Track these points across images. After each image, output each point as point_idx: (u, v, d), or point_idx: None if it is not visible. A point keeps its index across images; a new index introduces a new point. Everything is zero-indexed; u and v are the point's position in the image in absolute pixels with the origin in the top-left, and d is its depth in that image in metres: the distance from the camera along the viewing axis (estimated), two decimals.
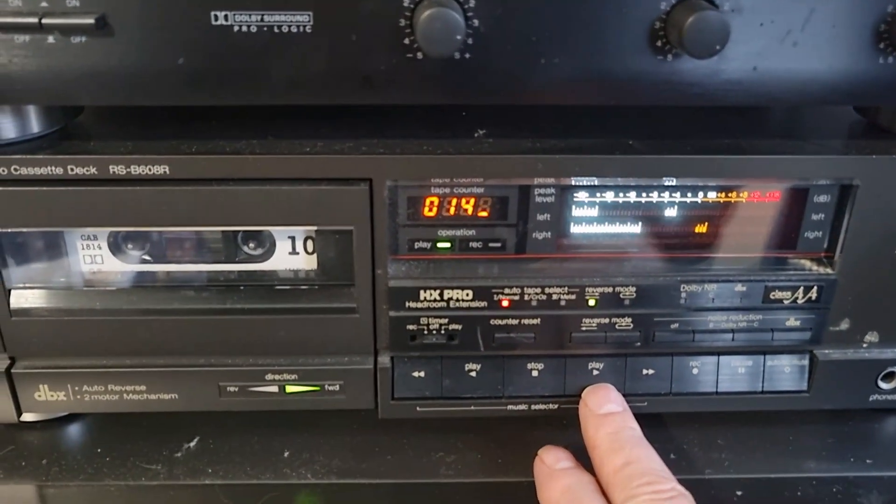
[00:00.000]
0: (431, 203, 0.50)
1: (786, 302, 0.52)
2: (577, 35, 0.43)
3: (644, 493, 0.43)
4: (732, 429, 0.57)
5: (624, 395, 0.54)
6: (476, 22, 0.42)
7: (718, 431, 0.57)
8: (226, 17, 0.41)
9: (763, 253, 0.53)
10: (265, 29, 0.41)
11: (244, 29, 0.41)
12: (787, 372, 0.55)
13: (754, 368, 0.55)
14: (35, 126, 0.48)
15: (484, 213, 0.50)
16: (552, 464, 0.49)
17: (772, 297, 0.52)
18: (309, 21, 0.41)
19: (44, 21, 0.40)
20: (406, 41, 0.42)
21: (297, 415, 0.56)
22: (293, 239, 0.52)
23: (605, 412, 0.51)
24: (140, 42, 0.42)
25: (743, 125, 0.53)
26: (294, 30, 0.42)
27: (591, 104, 0.45)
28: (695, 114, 0.55)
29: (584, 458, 0.50)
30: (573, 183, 0.50)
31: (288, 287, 0.52)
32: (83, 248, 0.51)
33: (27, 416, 0.55)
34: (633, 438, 0.49)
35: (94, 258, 0.52)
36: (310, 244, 0.52)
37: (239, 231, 0.51)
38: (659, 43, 0.43)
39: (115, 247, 0.51)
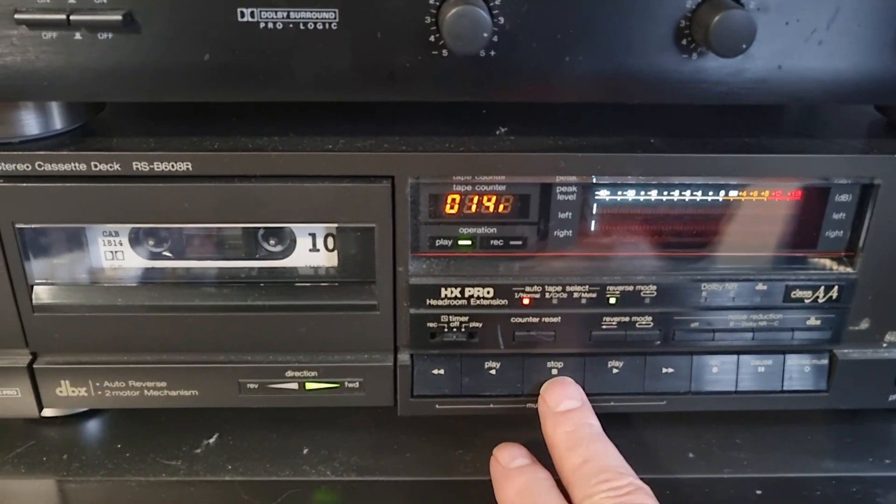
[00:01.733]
0: (453, 200, 0.50)
1: (806, 301, 0.52)
2: (602, 33, 0.43)
3: (601, 490, 0.43)
4: (751, 428, 0.57)
5: (643, 394, 0.54)
6: (501, 19, 0.42)
7: (737, 430, 0.57)
8: (252, 14, 0.41)
9: (784, 252, 0.52)
10: (291, 25, 0.42)
11: (270, 25, 0.42)
12: (806, 371, 0.55)
13: (774, 368, 0.54)
14: (58, 122, 0.49)
15: (505, 211, 0.50)
16: (507, 462, 0.49)
17: (792, 296, 0.52)
18: (335, 18, 0.41)
19: (72, 18, 0.40)
20: (431, 38, 0.42)
21: (315, 412, 0.56)
22: (313, 236, 0.52)
23: (563, 409, 0.50)
24: (166, 38, 0.42)
25: (764, 124, 0.53)
26: (320, 26, 0.42)
27: (615, 102, 0.44)
28: (716, 112, 0.54)
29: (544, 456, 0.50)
30: (594, 181, 0.50)
31: (308, 284, 0.52)
32: (104, 244, 0.52)
33: (48, 412, 0.55)
34: (591, 435, 0.48)
35: (116, 254, 0.52)
36: (330, 241, 0.52)
37: (260, 228, 0.51)
38: (684, 41, 0.43)
39: (136, 243, 0.52)
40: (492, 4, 0.41)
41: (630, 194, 0.51)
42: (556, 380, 0.53)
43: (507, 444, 0.51)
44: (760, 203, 0.51)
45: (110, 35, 0.41)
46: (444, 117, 0.52)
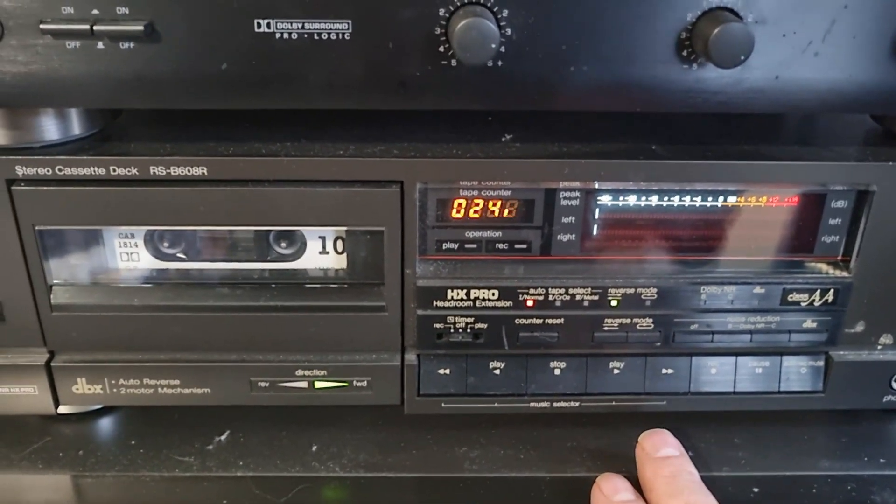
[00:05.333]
0: (459, 205, 0.51)
1: (803, 304, 0.54)
2: (606, 43, 0.44)
3: None
4: (748, 428, 0.58)
5: (643, 394, 0.56)
6: (509, 31, 0.43)
7: (735, 430, 0.58)
8: (268, 25, 0.43)
9: (781, 256, 0.54)
10: (305, 36, 0.43)
11: (285, 36, 0.43)
12: (802, 373, 0.56)
13: (771, 369, 0.56)
14: (77, 128, 0.50)
15: (510, 216, 0.52)
16: (610, 494, 0.49)
17: (789, 299, 0.53)
18: (348, 28, 0.43)
19: (95, 28, 0.41)
20: (441, 49, 0.44)
21: (323, 410, 0.57)
22: (323, 239, 0.53)
23: (663, 455, 0.51)
24: (186, 48, 0.43)
25: (762, 131, 0.55)
26: (333, 36, 0.43)
27: (618, 111, 0.46)
28: (715, 119, 0.56)
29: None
30: (597, 186, 0.51)
31: (318, 285, 0.53)
32: (120, 246, 0.53)
33: (63, 409, 0.56)
34: (692, 484, 0.48)
35: (131, 255, 0.53)
36: (339, 244, 0.53)
37: (271, 231, 0.53)
38: (685, 52, 0.44)
39: (151, 244, 0.53)
40: (499, 16, 0.43)
41: (631, 200, 0.52)
42: (654, 430, 0.53)
43: (611, 475, 0.51)
44: (758, 209, 0.53)
45: (132, 44, 0.43)
46: (451, 124, 0.53)
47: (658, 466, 0.50)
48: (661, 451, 0.51)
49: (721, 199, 0.52)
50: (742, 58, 0.42)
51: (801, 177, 0.51)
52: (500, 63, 0.44)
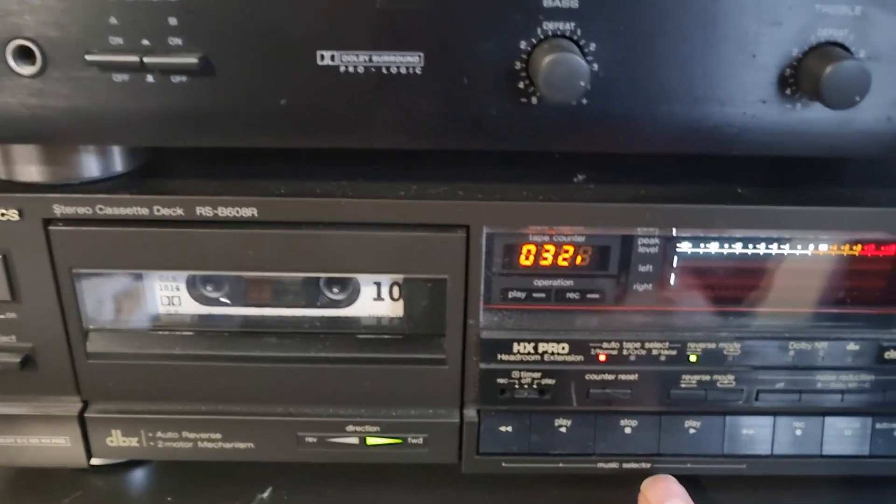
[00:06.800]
0: (528, 251, 0.47)
1: None
2: (701, 81, 0.40)
3: None
4: (836, 495, 0.53)
5: (721, 456, 0.51)
6: (596, 66, 0.39)
7: (821, 497, 0.53)
8: (332, 58, 0.39)
9: (877, 310, 0.50)
10: (373, 70, 0.39)
11: (351, 69, 0.39)
12: None
13: (862, 431, 0.51)
14: (119, 164, 0.47)
15: (583, 263, 0.48)
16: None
17: (885, 357, 0.49)
18: (420, 62, 0.39)
19: (145, 60, 0.38)
20: (521, 85, 0.40)
21: (374, 468, 0.54)
22: (378, 285, 0.49)
23: None
24: (242, 82, 0.40)
25: (859, 174, 0.50)
26: (403, 70, 0.40)
27: (713, 154, 0.42)
28: (806, 160, 0.52)
29: None
30: (675, 233, 0.47)
31: (372, 336, 0.50)
32: (161, 290, 0.49)
33: (95, 460, 0.53)
34: None
35: (172, 300, 0.50)
36: (395, 290, 0.49)
37: (322, 275, 0.49)
38: (788, 91, 0.40)
39: (194, 289, 0.49)
40: (586, 51, 0.39)
41: (714, 247, 0.48)
42: (657, 476, 0.50)
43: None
44: (852, 258, 0.48)
45: (184, 78, 0.39)
46: (519, 163, 0.50)
47: None
48: (666, 502, 0.48)
49: (812, 246, 0.48)
50: (857, 98, 0.38)
51: None
52: (585, 102, 0.40)
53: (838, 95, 0.38)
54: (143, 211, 0.45)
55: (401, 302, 0.50)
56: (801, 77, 0.40)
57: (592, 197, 0.46)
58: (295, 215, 0.45)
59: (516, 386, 0.49)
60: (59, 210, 0.44)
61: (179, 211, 0.45)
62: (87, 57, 0.39)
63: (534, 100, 0.40)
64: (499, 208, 0.45)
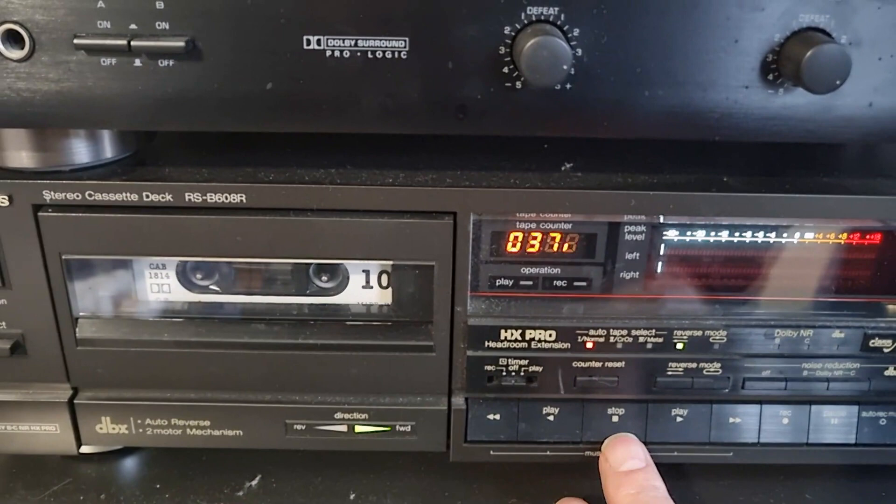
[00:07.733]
0: (515, 238, 0.48)
1: (885, 351, 0.49)
2: (685, 66, 0.41)
3: None
4: (822, 483, 0.54)
5: (708, 444, 0.51)
6: (580, 51, 0.40)
7: (807, 485, 0.54)
8: (318, 42, 0.40)
9: (863, 298, 0.50)
10: (359, 54, 0.40)
11: (337, 54, 0.40)
12: (882, 424, 0.52)
13: (848, 419, 0.52)
14: (109, 150, 0.47)
15: (570, 251, 0.48)
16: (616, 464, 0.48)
17: (871, 345, 0.49)
18: (405, 46, 0.40)
19: (133, 43, 0.38)
20: (505, 70, 0.40)
21: (363, 455, 0.54)
22: (367, 272, 0.50)
23: (627, 469, 0.48)
24: (229, 66, 0.40)
25: (845, 162, 0.51)
26: (389, 55, 0.40)
27: (696, 139, 0.42)
28: (791, 148, 0.52)
29: None
30: (663, 220, 0.47)
31: (360, 322, 0.50)
32: (151, 277, 0.50)
33: (85, 448, 0.53)
34: (657, 499, 0.45)
35: (162, 287, 0.50)
36: (384, 278, 0.50)
37: (311, 263, 0.49)
38: (770, 76, 0.41)
39: (184, 276, 0.50)
40: (570, 35, 0.39)
41: (700, 235, 0.48)
42: (618, 437, 0.50)
43: (570, 498, 0.49)
44: (838, 246, 0.49)
45: (171, 62, 0.39)
46: (506, 150, 0.50)
47: (622, 482, 0.47)
48: (625, 463, 0.48)
49: (797, 235, 0.48)
50: (838, 82, 0.39)
51: (886, 213, 0.47)
52: (569, 86, 0.40)
53: (819, 79, 0.38)
54: (133, 197, 0.45)
55: (389, 289, 0.50)
56: (782, 62, 0.40)
57: (579, 184, 0.46)
58: (283, 202, 0.45)
59: (504, 373, 0.49)
60: (48, 196, 0.45)
61: (169, 197, 0.45)
62: (76, 41, 0.39)
63: (518, 84, 0.40)
64: (486, 195, 0.46)
